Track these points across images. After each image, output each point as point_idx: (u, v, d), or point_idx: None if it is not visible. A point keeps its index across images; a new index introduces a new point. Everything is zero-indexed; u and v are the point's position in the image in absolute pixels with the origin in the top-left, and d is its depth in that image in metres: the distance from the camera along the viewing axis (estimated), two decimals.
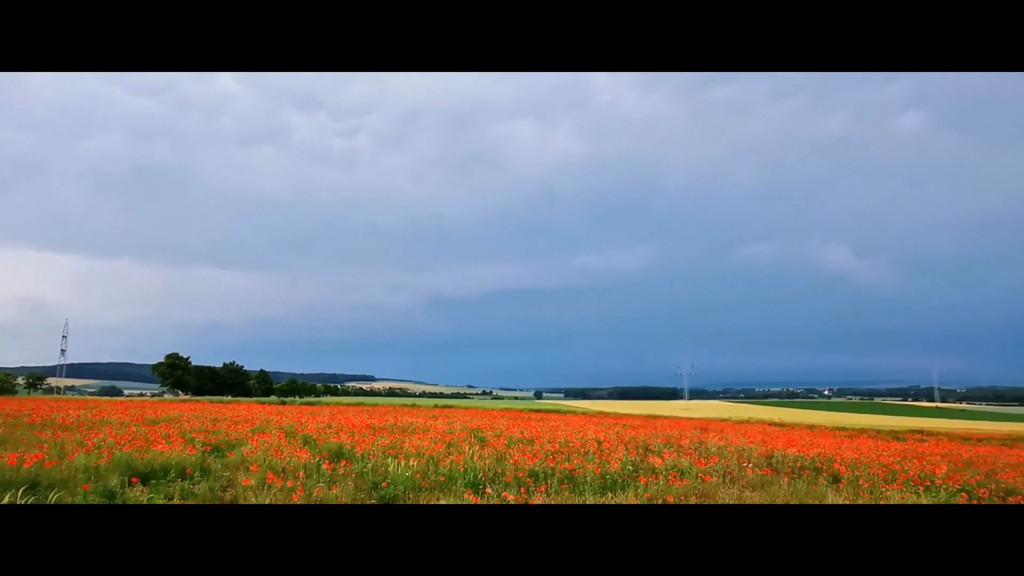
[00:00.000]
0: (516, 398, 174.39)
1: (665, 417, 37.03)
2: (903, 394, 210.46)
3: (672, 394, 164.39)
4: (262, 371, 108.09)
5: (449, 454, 9.45)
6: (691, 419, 35.01)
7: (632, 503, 6.50)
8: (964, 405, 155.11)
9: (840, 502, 7.54)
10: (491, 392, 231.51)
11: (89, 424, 14.36)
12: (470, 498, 6.08)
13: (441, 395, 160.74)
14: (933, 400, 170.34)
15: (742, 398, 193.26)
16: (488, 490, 6.73)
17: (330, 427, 15.07)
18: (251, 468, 7.48)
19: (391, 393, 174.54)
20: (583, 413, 41.70)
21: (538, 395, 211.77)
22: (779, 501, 7.51)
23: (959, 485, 8.62)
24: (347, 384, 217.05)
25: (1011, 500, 7.64)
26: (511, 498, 6.13)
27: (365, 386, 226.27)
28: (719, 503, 7.00)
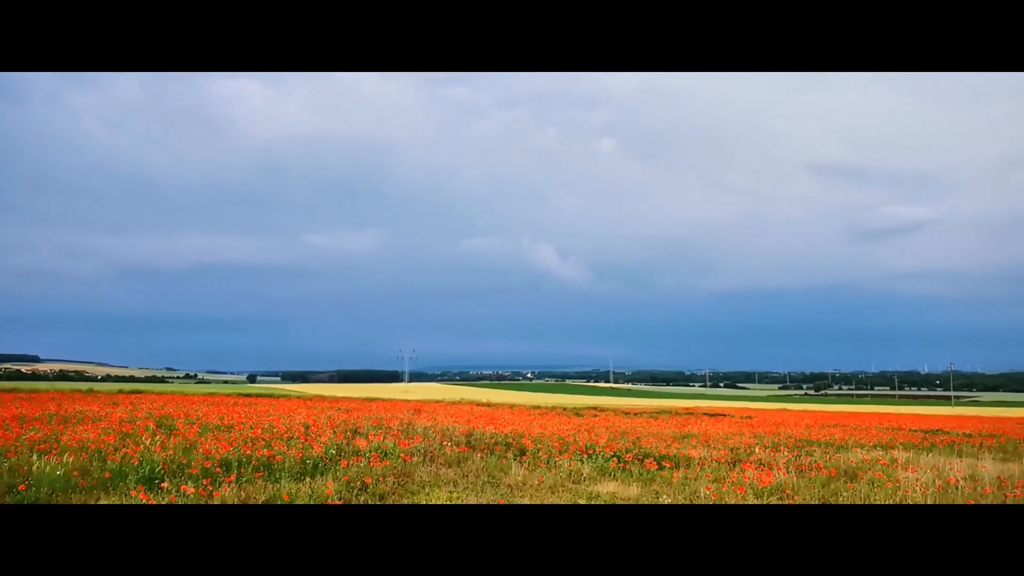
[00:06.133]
0: (226, 382, 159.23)
1: (383, 400, 37.56)
2: (587, 376, 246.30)
3: (394, 377, 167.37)
4: None
5: (124, 446, 8.24)
6: (408, 401, 36.11)
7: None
8: (630, 385, 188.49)
9: (524, 473, 8.49)
10: (196, 375, 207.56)
11: None
12: (139, 496, 5.37)
13: (132, 379, 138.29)
14: (609, 381, 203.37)
15: (458, 380, 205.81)
16: (164, 484, 6.03)
17: None
18: None
19: (62, 376, 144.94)
20: (298, 397, 40.00)
21: (252, 378, 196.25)
22: (471, 475, 8.17)
23: (613, 452, 10.38)
24: None
25: (647, 463, 9.44)
26: (191, 491, 5.58)
27: (26, 368, 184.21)
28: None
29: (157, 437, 9.23)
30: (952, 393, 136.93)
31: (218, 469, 6.97)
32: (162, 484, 6.09)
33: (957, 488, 7.37)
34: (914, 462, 10.39)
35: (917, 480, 7.82)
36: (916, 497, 6.87)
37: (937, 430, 21.30)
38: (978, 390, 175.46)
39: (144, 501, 5.33)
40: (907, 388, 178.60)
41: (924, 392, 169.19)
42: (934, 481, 7.67)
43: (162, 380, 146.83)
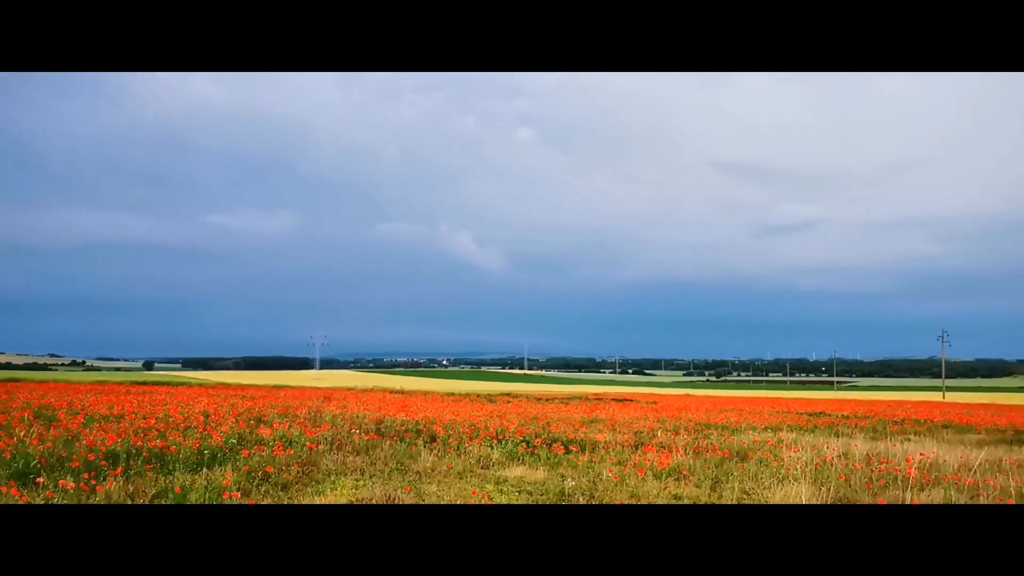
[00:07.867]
0: (119, 369, 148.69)
1: (292, 387, 36.38)
2: (503, 363, 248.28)
3: (304, 364, 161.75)
4: None
5: None
6: (318, 389, 35.15)
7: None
8: (544, 372, 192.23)
9: (433, 459, 8.49)
10: (84, 362, 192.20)
11: None
12: (10, 492, 4.94)
13: (9, 366, 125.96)
14: (523, 368, 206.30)
15: (371, 367, 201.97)
16: (40, 479, 5.58)
17: None
18: None
19: None
20: (200, 385, 38.05)
21: (148, 365, 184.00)
22: (379, 463, 8.08)
23: (523, 437, 10.56)
24: None
25: (555, 447, 9.67)
26: (70, 486, 5.19)
27: None
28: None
29: (34, 428, 8.52)
30: (835, 379, 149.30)
31: (103, 462, 6.53)
32: (37, 479, 5.64)
33: (832, 465, 8.06)
34: (798, 442, 11.26)
35: (799, 459, 8.48)
36: (796, 475, 7.46)
37: (820, 413, 23.16)
38: (857, 376, 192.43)
39: (16, 498, 4.93)
40: (797, 374, 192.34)
41: (812, 378, 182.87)
42: (813, 459, 8.35)
43: (44, 367, 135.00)
